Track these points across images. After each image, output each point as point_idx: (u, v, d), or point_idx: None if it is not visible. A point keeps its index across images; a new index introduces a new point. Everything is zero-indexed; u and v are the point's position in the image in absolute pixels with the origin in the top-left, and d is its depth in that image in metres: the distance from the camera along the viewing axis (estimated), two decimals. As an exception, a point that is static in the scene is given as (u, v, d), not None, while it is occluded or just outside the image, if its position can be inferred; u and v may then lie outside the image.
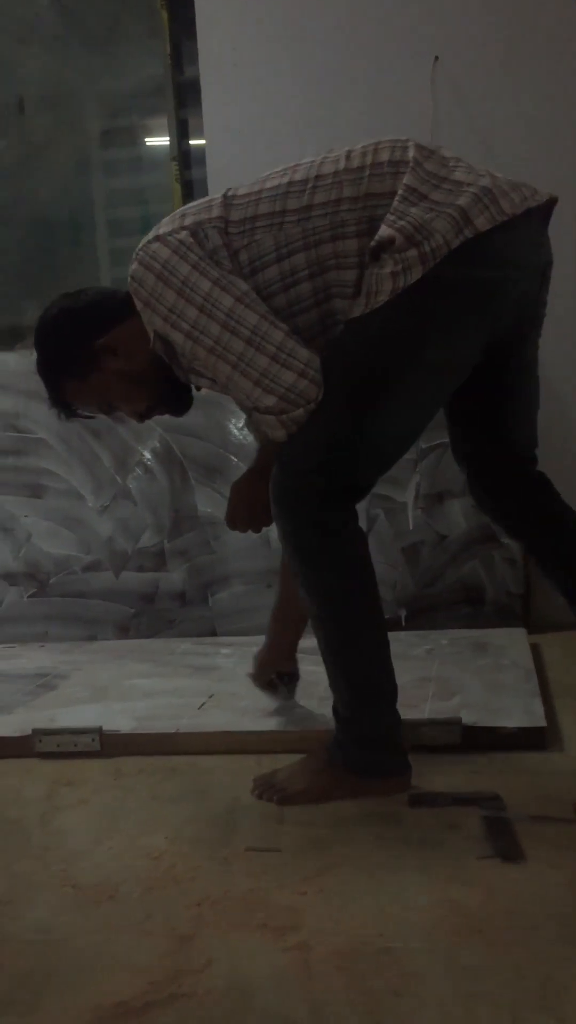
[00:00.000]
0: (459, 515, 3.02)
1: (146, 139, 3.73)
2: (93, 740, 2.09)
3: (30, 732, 2.12)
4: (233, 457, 3.11)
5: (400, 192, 1.67)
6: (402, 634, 2.87)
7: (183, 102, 3.48)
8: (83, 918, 1.43)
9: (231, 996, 1.21)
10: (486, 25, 2.98)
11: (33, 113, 3.61)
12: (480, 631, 2.89)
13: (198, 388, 1.90)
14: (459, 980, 1.21)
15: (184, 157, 3.48)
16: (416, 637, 2.84)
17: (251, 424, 2.06)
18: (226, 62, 3.13)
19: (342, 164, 1.73)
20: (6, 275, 3.71)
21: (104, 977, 1.27)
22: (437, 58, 2.99)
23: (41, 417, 3.21)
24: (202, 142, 3.23)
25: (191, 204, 1.84)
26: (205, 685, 2.49)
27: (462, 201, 1.64)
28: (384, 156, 1.72)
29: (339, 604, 1.77)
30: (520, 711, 2.10)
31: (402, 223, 1.64)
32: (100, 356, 1.86)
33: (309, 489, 1.71)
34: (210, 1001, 1.21)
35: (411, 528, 3.04)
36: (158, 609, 3.18)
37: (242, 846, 1.63)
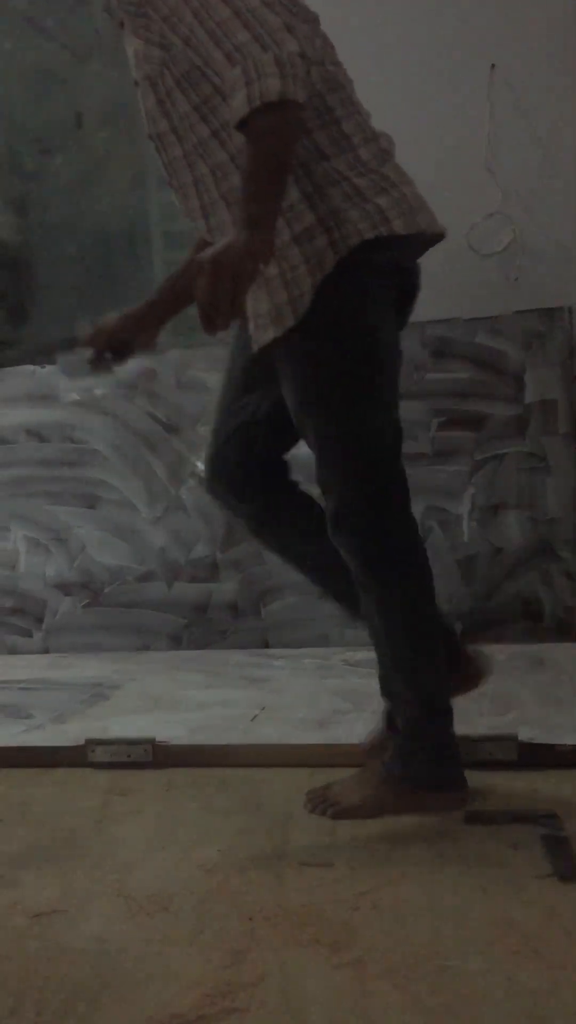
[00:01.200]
0: (515, 527, 2.98)
1: (201, 152, 3.76)
2: (146, 751, 2.10)
3: (83, 742, 2.13)
4: (286, 468, 3.10)
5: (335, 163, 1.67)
6: (457, 648, 2.83)
7: (238, 115, 3.50)
8: (137, 929, 1.43)
9: (284, 1012, 1.20)
10: (543, 31, 2.95)
11: (91, 128, 3.66)
12: (537, 646, 2.85)
13: None
14: (518, 1002, 1.18)
15: (239, 170, 3.49)
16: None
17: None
18: (281, 75, 3.14)
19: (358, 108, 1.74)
20: (64, 288, 3.76)
21: (158, 989, 1.26)
22: (494, 66, 2.97)
23: (96, 428, 3.24)
24: (257, 154, 3.25)
25: None
26: (258, 697, 2.48)
27: (383, 201, 1.65)
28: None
29: (410, 617, 1.76)
30: (578, 727, 2.06)
31: (318, 202, 1.64)
32: None
33: (363, 510, 1.72)
34: (263, 1016, 1.19)
35: (466, 540, 3.01)
36: (211, 620, 3.18)
37: (295, 860, 1.62)
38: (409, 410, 3.05)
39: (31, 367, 3.33)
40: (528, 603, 2.97)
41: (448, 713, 1.79)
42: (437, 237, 1.76)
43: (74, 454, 3.27)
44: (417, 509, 3.01)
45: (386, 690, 1.80)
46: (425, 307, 3.06)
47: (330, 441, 1.72)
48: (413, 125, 3.03)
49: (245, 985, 1.26)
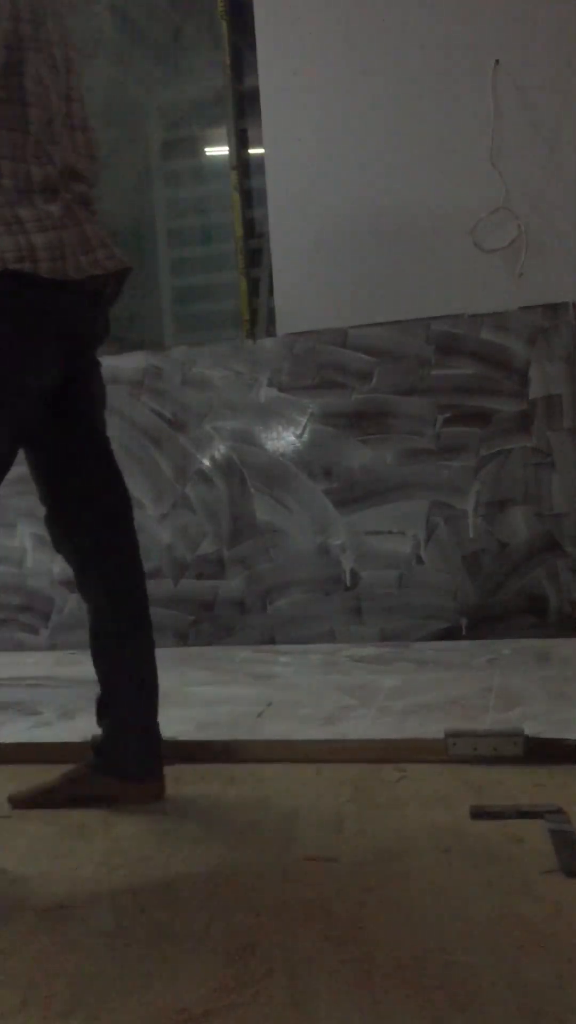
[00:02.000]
0: (521, 523, 2.98)
1: (206, 149, 3.76)
2: (153, 746, 2.10)
3: (90, 738, 2.13)
4: (292, 466, 3.10)
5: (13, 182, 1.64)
6: (463, 643, 2.84)
7: (243, 112, 3.51)
8: (145, 924, 1.44)
9: (291, 1006, 1.20)
10: (547, 27, 2.95)
11: (96, 125, 3.65)
12: (543, 641, 2.85)
13: None
14: (525, 996, 1.19)
15: (244, 166, 3.50)
16: (477, 646, 2.81)
17: None
18: (286, 71, 3.14)
19: (67, 116, 1.77)
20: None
21: (165, 983, 1.27)
22: (498, 62, 2.97)
23: (102, 426, 3.24)
24: (261, 151, 3.25)
25: None
26: (264, 693, 2.49)
27: (39, 239, 1.62)
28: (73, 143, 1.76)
29: None
30: (585, 723, 2.06)
31: None
32: None
33: None
34: (270, 1011, 1.20)
35: (472, 536, 3.01)
36: (217, 617, 3.19)
37: (302, 855, 1.62)
38: (414, 406, 3.06)
39: (37, 365, 3.34)
40: (534, 598, 2.97)
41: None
42: (113, 276, 1.75)
43: (80, 451, 3.28)
44: (423, 505, 3.03)
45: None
46: (430, 303, 3.08)
47: None
48: (418, 122, 3.03)
49: (252, 980, 1.26)
